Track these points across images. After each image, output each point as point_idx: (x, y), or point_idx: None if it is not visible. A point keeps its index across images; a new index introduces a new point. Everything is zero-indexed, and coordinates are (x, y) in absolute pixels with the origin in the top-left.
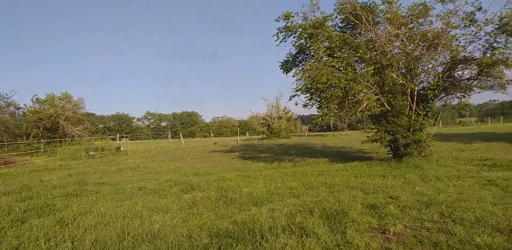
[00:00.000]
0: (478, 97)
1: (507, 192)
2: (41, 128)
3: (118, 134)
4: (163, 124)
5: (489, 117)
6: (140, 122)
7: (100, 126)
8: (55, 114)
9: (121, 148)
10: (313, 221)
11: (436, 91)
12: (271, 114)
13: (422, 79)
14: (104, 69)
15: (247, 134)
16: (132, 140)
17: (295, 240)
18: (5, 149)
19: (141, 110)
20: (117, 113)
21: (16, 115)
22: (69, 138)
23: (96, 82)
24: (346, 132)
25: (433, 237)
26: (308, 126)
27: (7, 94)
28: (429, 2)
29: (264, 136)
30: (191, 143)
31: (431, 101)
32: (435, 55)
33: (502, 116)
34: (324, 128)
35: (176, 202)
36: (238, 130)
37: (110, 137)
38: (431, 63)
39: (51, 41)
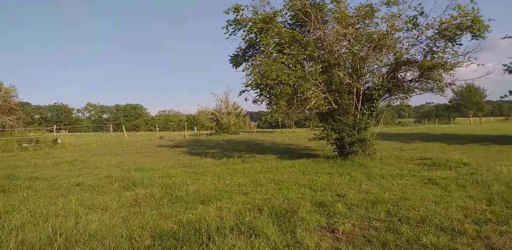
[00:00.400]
0: (415, 100)
1: (446, 190)
2: None
3: (55, 125)
4: (105, 116)
5: (425, 119)
6: (80, 114)
7: (36, 116)
8: None
9: (58, 140)
10: (262, 220)
11: (380, 91)
12: (220, 110)
13: (367, 80)
14: (42, 58)
15: (195, 129)
16: (71, 132)
17: (244, 240)
18: None
19: (81, 102)
20: (55, 103)
21: None
22: None
23: (32, 70)
24: (293, 129)
25: (382, 236)
26: (257, 122)
27: None
28: (375, 4)
29: (213, 131)
30: (134, 136)
31: (375, 101)
32: (380, 56)
33: (437, 118)
34: (273, 124)
35: (116, 199)
36: (186, 124)
37: (46, 128)
38: (376, 64)
39: None
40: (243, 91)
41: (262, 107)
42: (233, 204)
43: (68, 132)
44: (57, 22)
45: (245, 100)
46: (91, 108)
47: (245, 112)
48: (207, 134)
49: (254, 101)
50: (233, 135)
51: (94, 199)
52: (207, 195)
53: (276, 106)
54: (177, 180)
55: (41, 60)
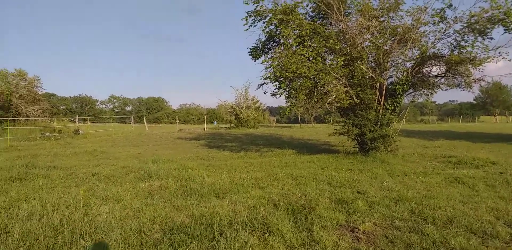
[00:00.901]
0: (438, 97)
1: (474, 190)
2: None
3: (77, 116)
4: (128, 108)
5: (449, 117)
6: (104, 106)
7: (61, 107)
8: (8, 92)
9: (80, 131)
10: (278, 216)
11: (404, 86)
12: (240, 104)
13: (391, 74)
14: (67, 49)
15: (215, 122)
16: (95, 123)
17: (257, 237)
18: None
19: (105, 93)
20: (79, 95)
21: None
22: (23, 117)
23: (59, 61)
24: (313, 124)
25: (405, 237)
26: (276, 117)
27: None
28: None
29: (232, 125)
30: (155, 128)
31: (399, 96)
32: (405, 50)
33: (461, 116)
34: (292, 119)
35: (130, 190)
36: (205, 117)
37: (69, 118)
38: (400, 58)
39: (15, 19)
40: (262, 84)
41: (282, 102)
42: (248, 198)
43: (92, 123)
44: (82, 16)
45: (264, 93)
46: (114, 100)
47: (265, 107)
48: (226, 127)
49: (273, 94)
50: (251, 129)
51: (108, 190)
52: (222, 188)
53: (296, 100)
54: (193, 172)
55: (67, 53)
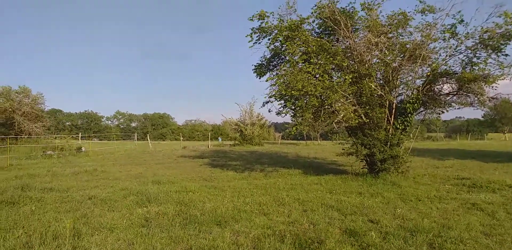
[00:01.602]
0: (445, 114)
1: (494, 218)
2: None
3: (80, 133)
4: (133, 125)
5: (457, 134)
6: (110, 122)
7: (67, 123)
8: (11, 109)
9: (83, 149)
10: None
11: (415, 104)
12: (244, 120)
13: (400, 92)
14: (73, 65)
15: (220, 139)
16: (101, 140)
17: None
18: None
19: (111, 110)
20: (85, 111)
21: None
22: (25, 135)
23: (63, 78)
24: (319, 141)
25: None
26: (281, 134)
27: None
28: (409, 12)
29: (236, 142)
30: (159, 146)
31: (409, 115)
32: (415, 67)
33: (469, 134)
34: (298, 137)
35: (126, 217)
36: (210, 134)
37: (71, 136)
38: (410, 76)
39: (18, 32)
40: (267, 102)
41: (287, 118)
42: (252, 227)
43: (98, 140)
44: (86, 31)
45: (269, 111)
46: (120, 117)
47: (269, 123)
48: (230, 144)
49: (278, 113)
50: (256, 146)
51: (103, 216)
52: (224, 215)
53: (302, 119)
54: (194, 196)
55: (73, 69)
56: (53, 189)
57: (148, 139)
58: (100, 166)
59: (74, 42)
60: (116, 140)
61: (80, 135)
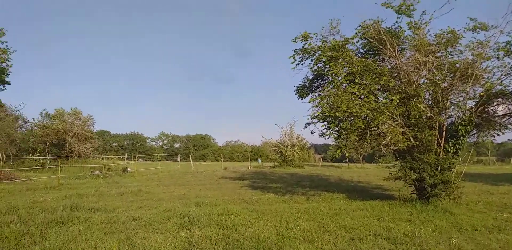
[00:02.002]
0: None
1: None
2: (47, 144)
3: (126, 154)
4: (176, 145)
5: (510, 158)
6: (154, 143)
7: (114, 144)
8: (63, 130)
9: (128, 169)
10: None
11: (468, 127)
12: (284, 142)
13: (451, 113)
14: (120, 87)
15: (259, 160)
16: (146, 160)
17: None
18: (9, 163)
19: (155, 131)
20: (131, 132)
21: (24, 129)
22: (75, 155)
23: (111, 100)
24: (362, 164)
25: None
26: (322, 155)
27: (15, 107)
28: (458, 30)
29: (276, 163)
30: (201, 166)
31: (461, 138)
32: (467, 87)
33: None
34: (343, 160)
35: (170, 240)
36: (250, 155)
37: (117, 156)
38: (461, 96)
39: (70, 59)
40: (309, 124)
41: (328, 139)
42: None
43: (144, 160)
44: (129, 55)
45: (311, 133)
46: (164, 138)
47: (310, 145)
48: (270, 166)
49: (321, 135)
50: (296, 168)
51: (147, 238)
52: (267, 241)
53: (346, 141)
54: (236, 219)
55: (120, 90)
56: (99, 209)
57: (191, 160)
58: (145, 186)
59: (122, 65)
60: (160, 160)
61: (126, 156)
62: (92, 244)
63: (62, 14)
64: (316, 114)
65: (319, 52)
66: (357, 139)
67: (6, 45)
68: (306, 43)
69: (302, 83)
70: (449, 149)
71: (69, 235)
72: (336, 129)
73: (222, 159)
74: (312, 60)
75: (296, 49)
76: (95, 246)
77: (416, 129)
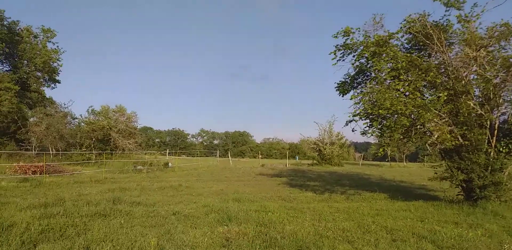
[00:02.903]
0: None
1: None
2: (93, 139)
3: (168, 150)
4: (216, 142)
5: None
6: (194, 139)
7: (156, 140)
8: (108, 127)
9: (169, 164)
10: None
11: None
12: (323, 140)
13: (504, 111)
14: (163, 85)
15: (297, 157)
16: (188, 156)
17: None
18: (58, 157)
19: (196, 127)
20: (173, 128)
21: (72, 125)
22: (119, 150)
23: (155, 97)
24: (404, 163)
25: None
26: (362, 154)
27: (64, 104)
28: None
29: (315, 161)
30: (239, 163)
31: None
32: None
33: None
34: (385, 159)
35: (208, 235)
36: (288, 152)
37: (159, 152)
38: None
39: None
40: (350, 121)
41: (369, 137)
42: None
43: (185, 156)
44: (175, 50)
45: (352, 131)
46: (204, 134)
47: (350, 143)
48: (308, 164)
49: (363, 133)
50: (336, 167)
51: (185, 233)
52: (305, 239)
53: (389, 140)
54: (273, 216)
55: (164, 90)
56: (141, 203)
57: (229, 156)
58: (185, 181)
59: (164, 63)
60: (199, 156)
61: (167, 151)
62: (132, 237)
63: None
64: (358, 111)
65: (361, 47)
66: (401, 137)
67: (57, 46)
68: (348, 39)
69: (343, 80)
70: (501, 149)
71: (111, 227)
72: (379, 126)
73: (260, 156)
74: (354, 56)
75: (337, 45)
76: (135, 239)
77: (464, 127)
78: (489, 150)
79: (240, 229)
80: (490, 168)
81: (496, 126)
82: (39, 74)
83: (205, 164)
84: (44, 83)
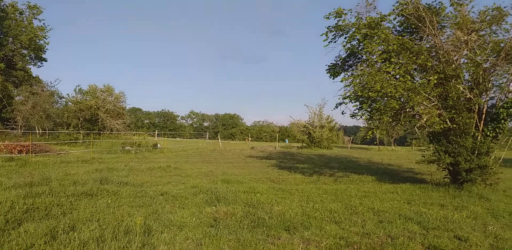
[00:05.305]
0: None
1: None
2: (81, 119)
3: (157, 131)
4: (206, 124)
5: None
6: (184, 121)
7: (145, 121)
8: (96, 106)
9: (158, 145)
10: None
11: (510, 110)
12: (313, 123)
13: (492, 95)
14: (152, 66)
15: (287, 140)
16: (174, 137)
17: None
18: (45, 137)
19: (186, 109)
20: (162, 110)
21: (59, 105)
22: (107, 131)
23: (143, 78)
24: (393, 147)
25: None
26: (351, 137)
27: (51, 83)
28: (505, 7)
29: (304, 144)
30: (228, 145)
31: (503, 121)
32: (511, 68)
33: None
34: (374, 142)
35: (196, 215)
36: (277, 135)
37: (148, 133)
38: (505, 77)
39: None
40: (340, 104)
41: (358, 121)
42: (323, 236)
43: (172, 137)
44: (165, 31)
45: (342, 114)
46: (193, 116)
47: (339, 126)
48: (298, 146)
49: (352, 116)
50: (325, 150)
51: (173, 213)
52: (293, 220)
53: (379, 123)
54: (262, 198)
55: (153, 70)
56: (128, 183)
57: (219, 138)
58: (173, 162)
59: (152, 42)
60: (189, 138)
61: (156, 132)
62: (119, 217)
63: None
64: (348, 94)
65: (353, 29)
66: (390, 120)
67: (44, 23)
68: (340, 20)
69: (334, 62)
70: (488, 133)
71: (98, 207)
72: (369, 109)
73: (250, 138)
74: (345, 38)
75: (329, 26)
76: (122, 219)
77: (453, 111)
78: (476, 134)
79: (228, 210)
80: (476, 152)
81: (484, 110)
82: (25, 52)
83: (195, 145)
84: (30, 61)
